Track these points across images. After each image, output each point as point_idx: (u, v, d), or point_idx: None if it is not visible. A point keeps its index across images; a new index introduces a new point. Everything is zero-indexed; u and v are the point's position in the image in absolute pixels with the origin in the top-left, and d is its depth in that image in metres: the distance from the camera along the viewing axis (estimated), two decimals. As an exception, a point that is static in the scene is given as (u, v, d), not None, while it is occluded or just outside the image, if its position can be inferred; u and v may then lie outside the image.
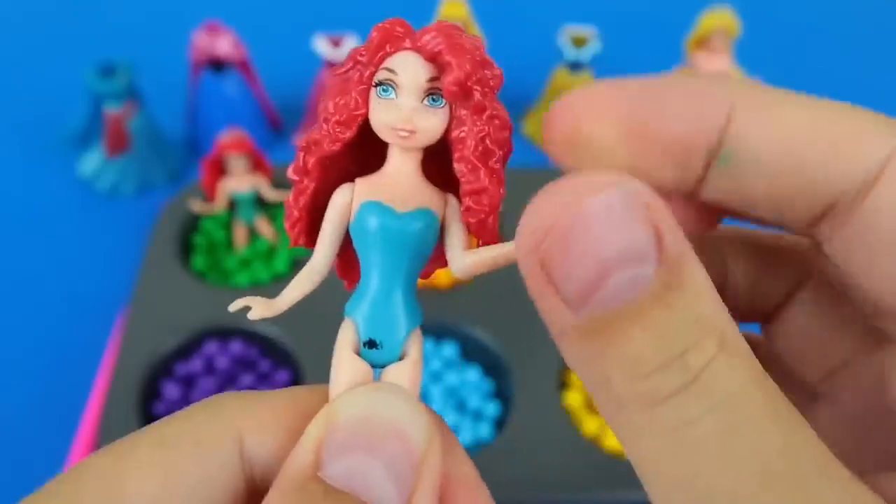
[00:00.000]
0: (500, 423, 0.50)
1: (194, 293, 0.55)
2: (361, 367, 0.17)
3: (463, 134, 0.17)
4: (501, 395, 0.51)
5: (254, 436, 0.16)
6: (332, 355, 0.17)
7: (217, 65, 0.68)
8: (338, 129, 0.17)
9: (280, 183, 0.60)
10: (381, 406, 0.15)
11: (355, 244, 0.17)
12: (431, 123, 0.16)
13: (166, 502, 0.15)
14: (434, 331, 0.54)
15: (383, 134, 0.17)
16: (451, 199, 0.17)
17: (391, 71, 0.16)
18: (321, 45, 0.66)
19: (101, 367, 0.53)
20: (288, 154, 0.71)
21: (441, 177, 0.17)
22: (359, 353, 0.17)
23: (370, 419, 0.15)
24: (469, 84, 0.16)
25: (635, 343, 0.12)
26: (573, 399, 0.50)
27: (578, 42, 0.70)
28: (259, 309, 0.17)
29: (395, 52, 0.16)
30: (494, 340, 0.52)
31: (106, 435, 0.46)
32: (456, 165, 0.17)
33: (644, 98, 0.15)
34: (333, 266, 0.18)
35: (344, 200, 0.17)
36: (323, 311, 0.56)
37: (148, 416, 0.49)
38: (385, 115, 0.16)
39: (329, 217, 0.17)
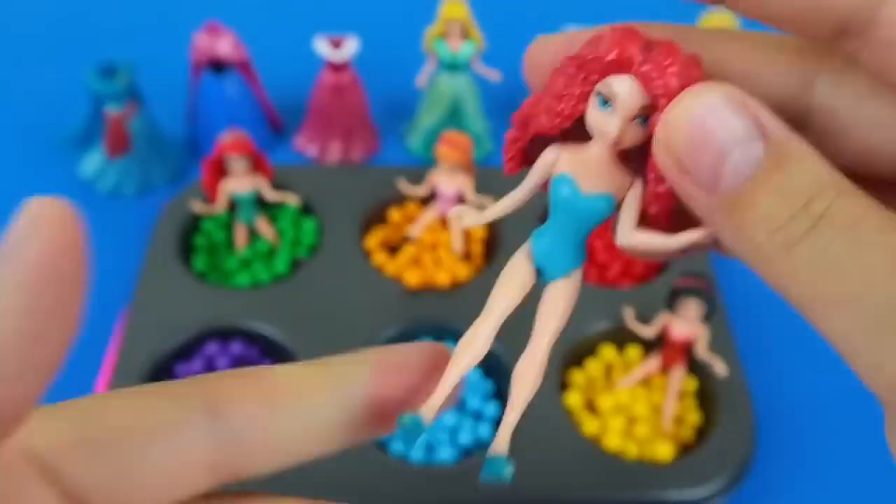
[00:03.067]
0: (500, 424, 0.50)
1: (195, 294, 0.55)
2: (530, 269, 0.20)
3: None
4: (501, 395, 0.52)
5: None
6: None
7: (217, 65, 0.68)
8: (557, 120, 0.19)
9: (280, 184, 0.61)
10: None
11: (549, 193, 0.20)
12: (635, 138, 0.19)
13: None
14: (434, 331, 0.54)
15: (594, 133, 0.19)
16: (637, 184, 0.19)
17: (613, 91, 0.18)
18: (322, 46, 0.67)
19: (101, 367, 0.53)
20: (288, 155, 0.71)
21: (631, 153, 0.19)
22: None
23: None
24: None
25: (765, 205, 0.15)
26: (573, 399, 0.50)
27: (578, 43, 0.70)
28: (470, 216, 0.21)
29: (621, 72, 0.18)
30: (494, 340, 0.52)
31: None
32: (651, 171, 0.18)
33: None
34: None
35: (552, 159, 0.20)
36: (323, 312, 0.56)
37: (148, 416, 0.49)
38: (598, 122, 0.19)
39: (537, 167, 0.20)
